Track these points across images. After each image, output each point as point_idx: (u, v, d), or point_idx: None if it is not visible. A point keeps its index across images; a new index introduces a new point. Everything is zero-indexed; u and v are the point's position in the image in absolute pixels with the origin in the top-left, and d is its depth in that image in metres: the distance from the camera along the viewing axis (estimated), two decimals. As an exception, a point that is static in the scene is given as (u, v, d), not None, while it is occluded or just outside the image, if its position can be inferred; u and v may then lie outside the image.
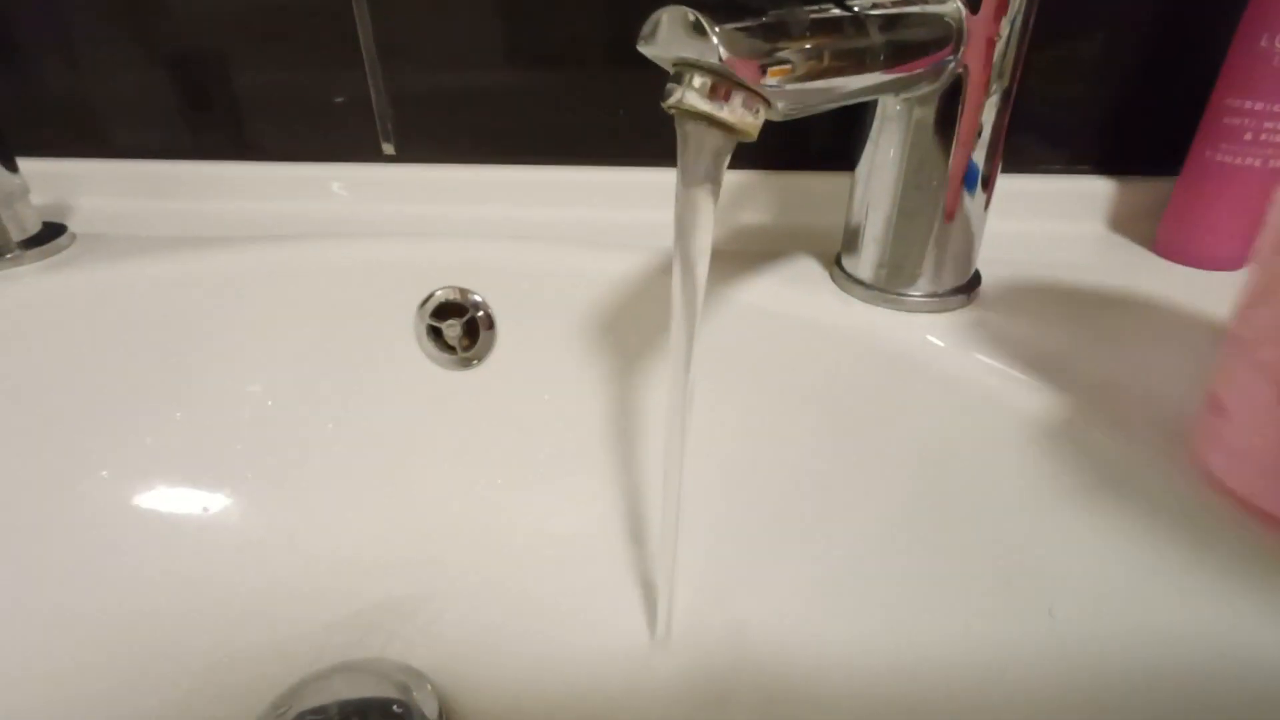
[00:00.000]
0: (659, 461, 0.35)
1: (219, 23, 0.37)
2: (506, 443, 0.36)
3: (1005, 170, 0.35)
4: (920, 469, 0.27)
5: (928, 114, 0.26)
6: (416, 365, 0.36)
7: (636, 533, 0.34)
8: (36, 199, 0.41)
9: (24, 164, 0.36)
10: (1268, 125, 0.28)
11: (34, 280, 0.34)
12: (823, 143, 0.36)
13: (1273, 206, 0.18)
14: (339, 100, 0.39)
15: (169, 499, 0.34)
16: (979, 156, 0.27)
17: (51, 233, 0.37)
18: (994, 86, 0.25)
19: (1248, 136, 0.29)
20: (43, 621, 0.31)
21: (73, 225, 0.39)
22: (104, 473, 0.34)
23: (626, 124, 0.37)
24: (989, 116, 0.26)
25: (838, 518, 0.29)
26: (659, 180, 0.37)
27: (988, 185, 0.28)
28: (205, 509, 0.35)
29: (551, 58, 0.36)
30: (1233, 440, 0.20)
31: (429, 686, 0.29)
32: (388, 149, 0.40)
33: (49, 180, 0.41)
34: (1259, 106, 0.28)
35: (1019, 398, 0.25)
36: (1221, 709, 0.18)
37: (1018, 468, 0.24)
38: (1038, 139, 0.35)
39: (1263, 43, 0.28)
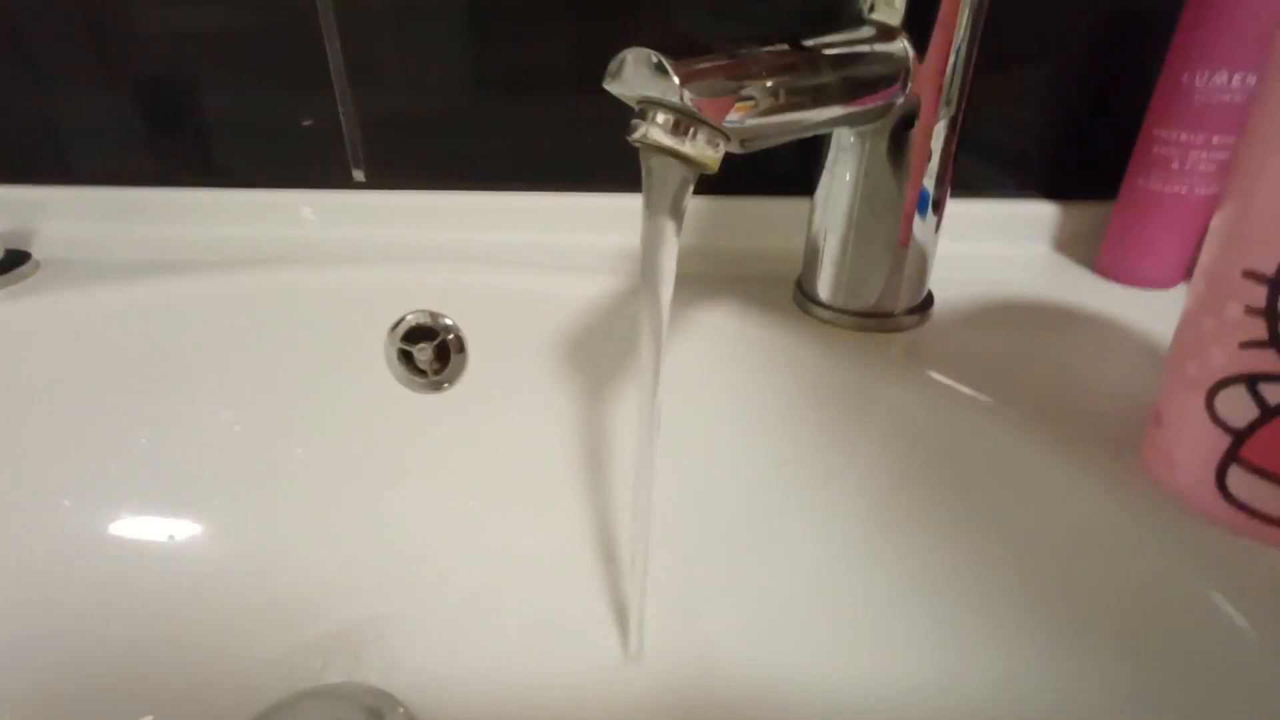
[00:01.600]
0: (629, 480, 0.35)
1: (186, 46, 0.38)
2: (478, 464, 0.36)
3: (954, 195, 0.37)
4: (878, 486, 0.28)
5: (880, 144, 0.27)
6: (388, 389, 0.36)
7: (607, 551, 0.34)
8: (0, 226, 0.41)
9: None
10: (1193, 155, 0.30)
11: (-4, 307, 0.34)
12: (783, 168, 0.38)
13: (1208, 235, 0.20)
14: (308, 125, 0.39)
15: (134, 527, 0.34)
16: (930, 183, 0.28)
17: (14, 260, 0.36)
18: (941, 117, 0.27)
19: (1175, 165, 0.31)
20: (4, 651, 0.30)
21: (37, 252, 0.38)
22: (66, 502, 0.34)
23: (595, 150, 0.38)
24: (938, 145, 0.27)
25: (802, 535, 0.30)
26: (626, 205, 0.38)
27: (938, 209, 0.29)
28: (171, 536, 0.34)
29: (521, 84, 0.37)
30: (1168, 447, 0.21)
31: (400, 710, 0.29)
32: (358, 175, 0.40)
33: (12, 207, 0.41)
34: (1184, 137, 0.30)
35: (972, 414, 0.26)
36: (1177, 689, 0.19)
37: (974, 482, 0.26)
38: (985, 165, 0.37)
39: (1184, 79, 0.30)
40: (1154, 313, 0.31)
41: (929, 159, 0.28)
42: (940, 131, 0.27)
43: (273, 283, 0.36)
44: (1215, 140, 0.30)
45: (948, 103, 0.27)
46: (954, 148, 0.28)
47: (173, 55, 0.38)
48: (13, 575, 0.32)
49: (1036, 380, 0.27)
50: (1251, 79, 0.29)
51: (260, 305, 0.36)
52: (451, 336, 0.36)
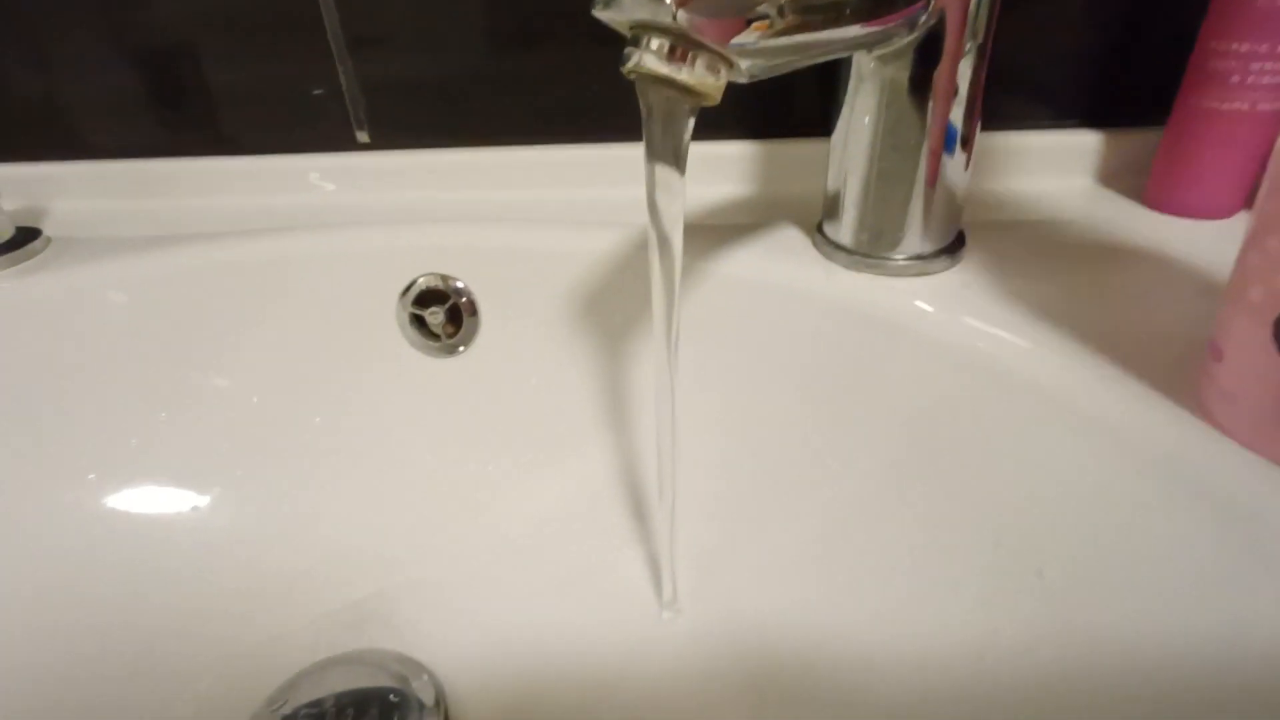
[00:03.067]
0: (649, 436, 0.34)
1: (188, 17, 0.37)
2: (497, 427, 0.35)
3: (987, 127, 0.34)
4: (911, 434, 0.27)
5: (902, 71, 0.25)
6: (401, 354, 0.36)
7: (633, 508, 0.34)
8: (9, 204, 0.41)
9: (-4, 169, 0.36)
10: (1254, 67, 0.28)
11: (7, 285, 0.34)
12: (801, 108, 0.36)
13: (1274, 154, 0.17)
14: (314, 92, 0.38)
15: (157, 499, 0.34)
16: (957, 113, 0.26)
17: (25, 237, 0.36)
18: (969, 39, 0.25)
19: (1234, 79, 0.28)
20: (33, 624, 0.31)
21: (47, 229, 0.38)
22: (90, 476, 0.34)
23: (602, 99, 0.36)
24: (965, 71, 0.25)
25: (831, 484, 0.29)
26: (635, 155, 0.37)
27: (967, 143, 0.27)
28: (194, 508, 0.34)
29: (522, 37, 0.35)
30: (1228, 384, 0.19)
31: (426, 676, 0.29)
32: (362, 137, 0.39)
33: (22, 184, 0.41)
34: (1245, 48, 0.27)
35: (1009, 358, 0.24)
36: (1221, 661, 0.18)
37: (1010, 428, 0.24)
38: (1019, 94, 0.35)
39: (1247, -22, 0.27)
40: (1209, 245, 0.29)
41: (956, 89, 0.25)
42: (968, 58, 0.25)
43: (281, 251, 0.35)
44: (1281, 49, 0.27)
45: (975, 24, 0.24)
46: (984, 75, 0.26)
47: (178, 27, 0.37)
48: (39, 552, 0.32)
49: (1079, 322, 0.25)
50: (1324, -24, 0.26)
51: (270, 274, 0.35)
52: (464, 299, 0.35)
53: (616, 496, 0.34)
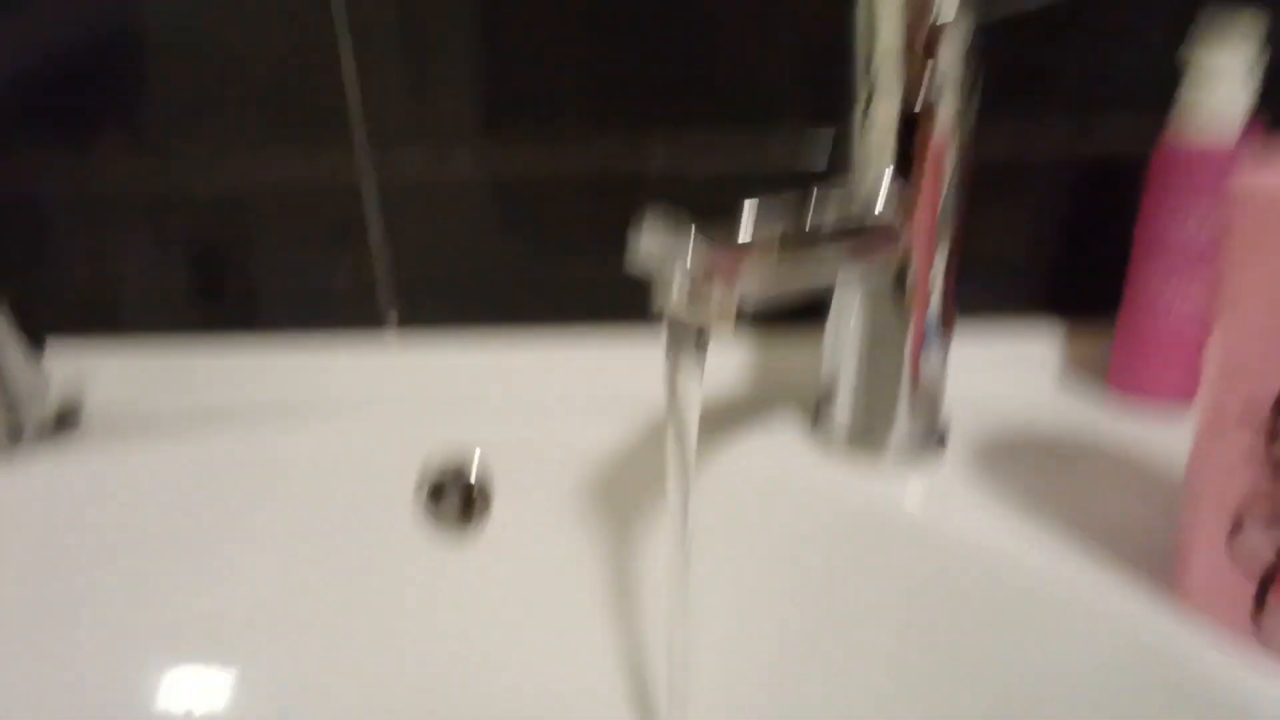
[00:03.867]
0: (660, 626, 0.35)
1: (235, 207, 0.41)
2: (508, 614, 0.36)
3: (962, 319, 0.38)
4: (908, 623, 0.28)
5: (882, 287, 0.29)
6: (414, 540, 0.37)
7: (642, 698, 0.33)
8: (56, 382, 0.43)
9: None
10: (1176, 284, 0.32)
11: (42, 470, 0.35)
12: (797, 301, 0.39)
13: (1207, 360, 0.20)
14: (344, 277, 0.42)
15: (171, 684, 0.34)
16: (934, 313, 0.30)
17: (65, 420, 0.38)
18: (938, 256, 0.29)
19: (1172, 283, 0.32)
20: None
21: (88, 408, 0.40)
22: (106, 659, 0.34)
23: (621, 292, 0.40)
24: (937, 281, 0.29)
25: (834, 674, 0.30)
26: (651, 347, 0.40)
27: (944, 338, 0.30)
28: (210, 694, 0.34)
29: (547, 228, 0.40)
30: (1199, 583, 0.21)
31: None
32: (391, 321, 0.43)
33: (68, 365, 0.43)
34: (1169, 268, 0.32)
35: (996, 553, 0.26)
36: None
37: (1000, 624, 0.25)
38: (987, 290, 0.39)
39: (1159, 222, 0.32)
40: (1172, 432, 0.32)
41: (930, 293, 0.29)
42: (938, 269, 0.29)
43: (305, 436, 0.37)
44: (1201, 272, 0.32)
45: (942, 244, 0.29)
46: (953, 282, 0.30)
47: (225, 217, 0.41)
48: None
49: (1060, 513, 0.27)
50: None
51: (292, 459, 0.37)
52: (477, 486, 0.37)
53: (627, 684, 0.34)
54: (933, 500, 0.29)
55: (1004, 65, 0.34)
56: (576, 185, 0.39)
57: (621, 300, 0.41)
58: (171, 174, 0.41)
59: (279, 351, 0.43)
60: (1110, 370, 0.36)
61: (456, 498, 0.37)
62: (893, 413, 0.31)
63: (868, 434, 0.31)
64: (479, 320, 0.42)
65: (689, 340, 0.23)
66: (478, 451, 0.36)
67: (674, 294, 0.22)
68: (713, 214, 0.23)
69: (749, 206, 0.24)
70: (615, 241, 0.40)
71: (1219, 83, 0.30)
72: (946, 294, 0.30)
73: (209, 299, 0.43)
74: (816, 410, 0.33)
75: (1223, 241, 0.20)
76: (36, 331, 0.37)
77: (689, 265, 0.21)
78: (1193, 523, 0.21)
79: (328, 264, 0.42)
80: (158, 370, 0.43)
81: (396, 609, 0.36)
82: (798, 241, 0.24)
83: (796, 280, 0.24)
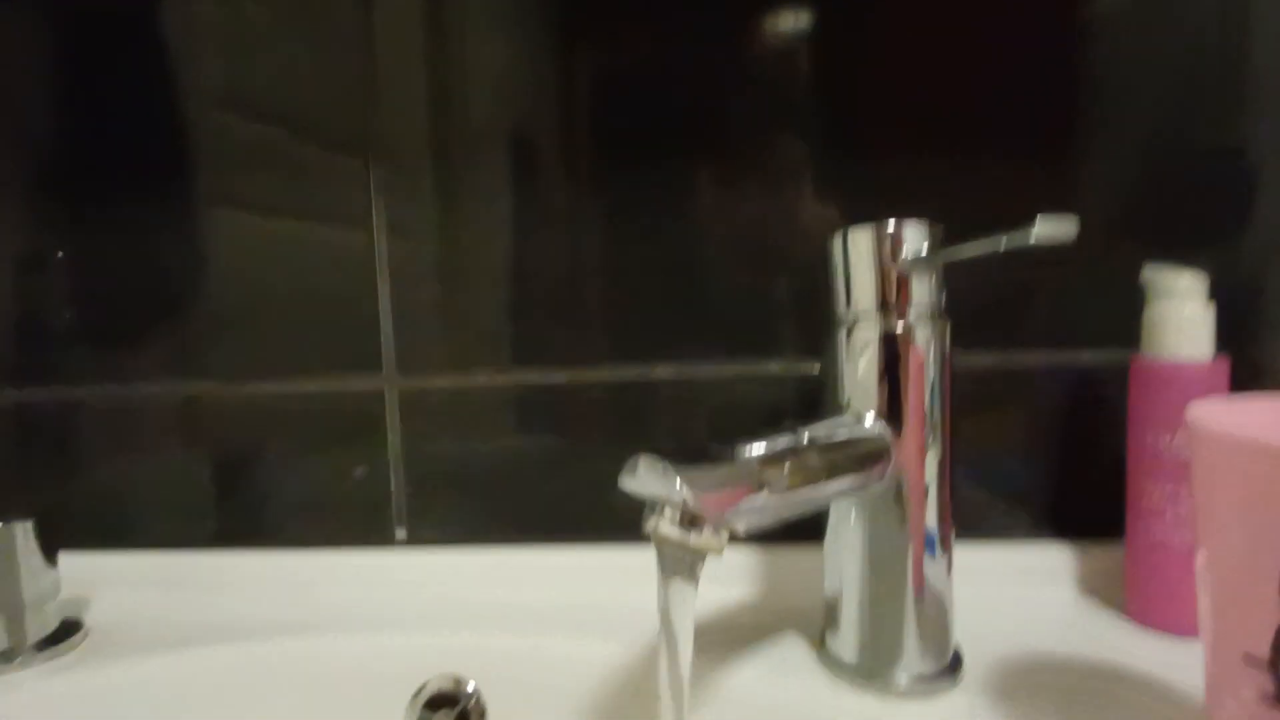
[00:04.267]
0: None
1: (259, 421, 0.44)
2: None
3: (971, 542, 0.38)
4: None
5: (878, 509, 0.30)
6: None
7: None
8: (64, 593, 0.43)
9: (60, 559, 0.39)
10: (1183, 507, 0.32)
11: (35, 684, 0.35)
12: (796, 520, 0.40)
13: (1201, 608, 0.20)
14: (360, 484, 0.43)
15: None
16: (933, 535, 0.30)
17: (66, 631, 0.38)
18: (930, 480, 0.30)
19: (1169, 516, 0.32)
20: None
21: (93, 618, 0.40)
22: None
23: (621, 507, 0.41)
24: (933, 504, 0.30)
25: None
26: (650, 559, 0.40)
27: (945, 545, 0.30)
28: None
29: (556, 448, 0.42)
30: None
31: None
32: (400, 534, 0.43)
33: (78, 573, 0.44)
34: (1169, 489, 0.32)
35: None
36: None
37: None
38: (994, 512, 0.39)
39: (1150, 439, 0.33)
40: (1192, 663, 0.30)
41: (925, 509, 0.30)
42: (932, 488, 0.30)
43: (305, 651, 0.36)
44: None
45: (933, 464, 0.30)
46: (948, 499, 0.30)
47: (250, 430, 0.44)
48: None
49: (1088, 757, 0.25)
50: (1210, 438, 0.32)
51: (292, 674, 0.36)
52: (473, 702, 0.35)
53: None
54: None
55: (983, 293, 0.38)
56: (589, 407, 0.42)
57: (628, 519, 0.41)
58: (203, 388, 0.44)
59: (289, 562, 0.43)
60: (1127, 601, 0.35)
61: (453, 716, 0.35)
62: (900, 633, 0.30)
63: (875, 658, 0.30)
64: (490, 531, 0.43)
65: (680, 565, 0.23)
66: (477, 666, 0.35)
67: (664, 522, 0.23)
68: (712, 439, 0.25)
69: (742, 439, 0.25)
70: (622, 459, 0.41)
71: (1179, 300, 0.32)
72: (943, 500, 0.30)
73: (228, 508, 0.45)
74: (824, 623, 0.32)
75: (1191, 471, 0.20)
76: (55, 543, 0.39)
77: (678, 497, 0.22)
78: (1223, 776, 0.20)
79: (344, 478, 0.44)
80: (163, 580, 0.44)
81: None
82: (787, 469, 0.25)
83: (787, 509, 0.25)
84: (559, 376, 0.42)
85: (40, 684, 0.35)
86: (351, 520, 0.44)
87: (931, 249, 0.29)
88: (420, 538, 0.43)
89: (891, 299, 0.29)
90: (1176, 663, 0.31)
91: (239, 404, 0.44)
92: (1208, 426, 0.19)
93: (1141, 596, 0.34)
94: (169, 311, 0.44)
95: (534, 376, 0.42)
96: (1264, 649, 0.18)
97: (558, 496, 0.42)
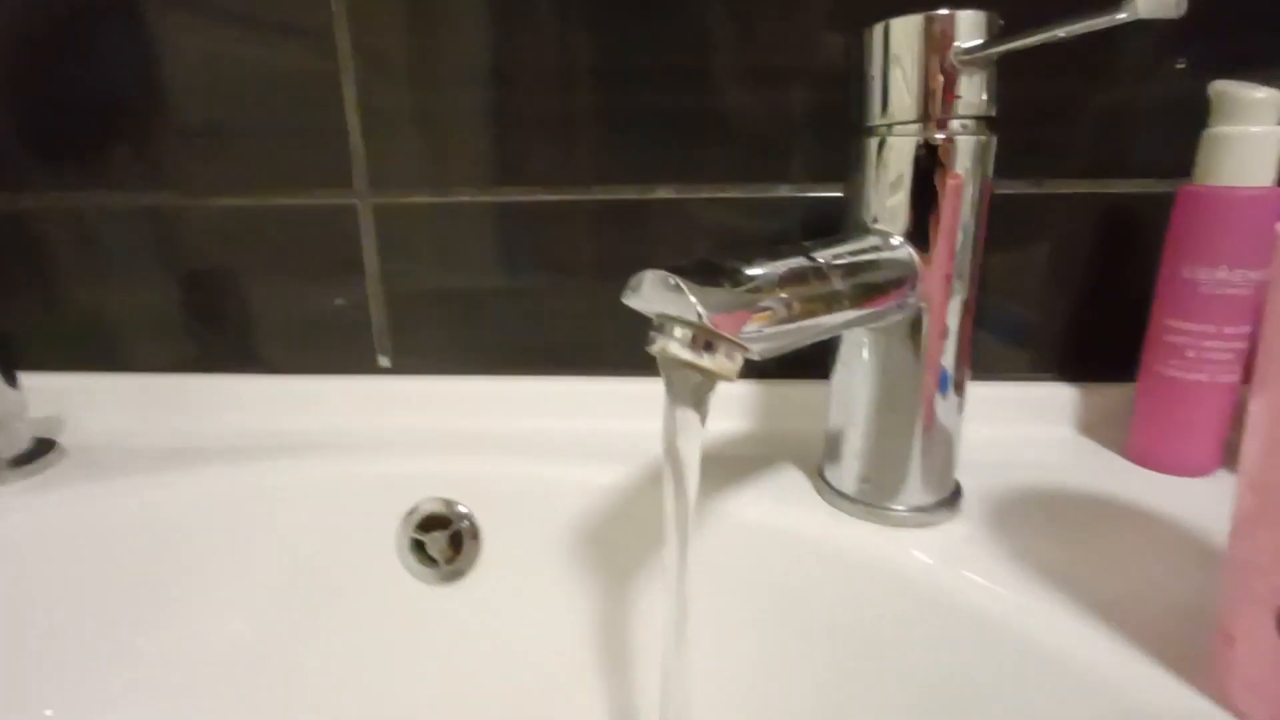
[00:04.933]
0: (652, 679, 0.33)
1: (229, 239, 0.40)
2: (494, 661, 0.34)
3: (975, 379, 0.37)
4: (911, 687, 0.26)
5: (895, 339, 0.28)
6: (399, 580, 0.35)
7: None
8: (38, 413, 0.42)
9: (30, 379, 0.37)
10: (1207, 344, 0.30)
11: (8, 501, 0.34)
12: (800, 351, 0.38)
13: (1245, 439, 0.19)
14: (342, 310, 0.41)
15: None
16: (948, 371, 0.28)
17: (40, 450, 0.37)
18: (953, 310, 0.27)
19: (1190, 354, 0.31)
20: None
21: (70, 440, 0.39)
22: (48, 711, 0.31)
23: (618, 335, 0.39)
24: (953, 331, 0.28)
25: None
26: (646, 390, 0.39)
27: (959, 387, 0.29)
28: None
29: (545, 273, 0.39)
30: (1245, 671, 0.19)
31: None
32: (384, 361, 0.41)
33: (54, 395, 0.42)
34: (1195, 328, 0.31)
35: (1011, 618, 0.24)
36: None
37: (1009, 685, 0.23)
38: (1004, 349, 0.38)
39: (1185, 272, 0.30)
40: (1194, 504, 0.30)
41: (945, 341, 0.28)
42: (954, 320, 0.28)
43: (290, 473, 0.36)
44: (1228, 330, 0.30)
45: (959, 295, 0.27)
46: (969, 332, 0.28)
47: (218, 248, 0.40)
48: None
49: (1082, 581, 0.25)
50: (1252, 274, 0.29)
51: (274, 498, 0.35)
52: (466, 524, 0.35)
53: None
54: (944, 561, 0.27)
55: (1023, 110, 0.34)
56: (580, 229, 0.38)
57: (626, 346, 0.39)
58: (170, 202, 0.40)
59: (270, 387, 0.41)
60: (1129, 441, 0.34)
61: (445, 536, 0.35)
62: (904, 467, 0.29)
63: (877, 488, 0.29)
64: (476, 361, 0.41)
65: (689, 389, 0.22)
66: (469, 490, 0.35)
67: (674, 343, 0.21)
68: (719, 261, 0.22)
69: (756, 254, 0.23)
70: (619, 287, 0.38)
71: (1251, 117, 0.29)
72: (963, 339, 0.28)
73: (202, 331, 0.42)
74: (824, 455, 0.32)
75: (1267, 293, 0.18)
76: (18, 359, 0.36)
77: (692, 314, 0.20)
78: (1237, 605, 0.19)
79: (323, 300, 0.41)
80: (145, 402, 0.42)
81: (373, 653, 0.34)
82: (806, 288, 0.23)
83: (806, 331, 0.23)
84: (547, 196, 0.38)
85: (18, 500, 0.34)
86: (332, 346, 0.42)
87: (988, 41, 0.25)
88: (405, 367, 0.42)
89: (936, 105, 0.26)
90: (1173, 500, 0.30)
91: (205, 219, 0.40)
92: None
93: (1145, 436, 0.33)
94: (125, 119, 0.39)
95: (520, 195, 0.38)
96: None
97: (548, 325, 0.40)
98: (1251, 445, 0.19)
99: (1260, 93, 0.28)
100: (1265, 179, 0.29)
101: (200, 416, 0.41)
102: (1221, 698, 0.20)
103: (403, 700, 0.34)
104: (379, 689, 0.34)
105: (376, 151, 0.38)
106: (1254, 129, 0.29)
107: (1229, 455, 0.33)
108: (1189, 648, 0.22)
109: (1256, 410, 0.19)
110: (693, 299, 0.19)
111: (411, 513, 0.35)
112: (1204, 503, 0.30)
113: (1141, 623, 0.23)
